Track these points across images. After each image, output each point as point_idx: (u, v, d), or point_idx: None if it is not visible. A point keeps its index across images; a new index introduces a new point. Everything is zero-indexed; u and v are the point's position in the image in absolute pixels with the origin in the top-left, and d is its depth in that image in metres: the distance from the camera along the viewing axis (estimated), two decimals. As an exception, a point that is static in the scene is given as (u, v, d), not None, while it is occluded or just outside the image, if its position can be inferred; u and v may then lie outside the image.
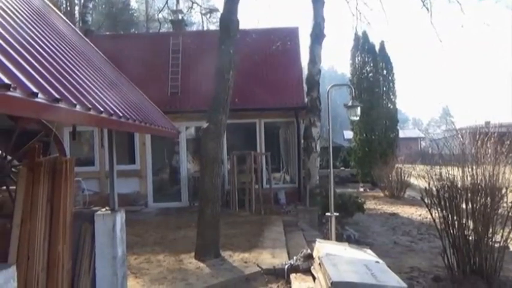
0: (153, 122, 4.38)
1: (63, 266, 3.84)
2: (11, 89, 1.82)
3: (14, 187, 3.88)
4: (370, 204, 12.49)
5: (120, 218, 4.43)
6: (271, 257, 6.13)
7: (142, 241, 7.48)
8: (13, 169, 4.39)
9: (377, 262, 4.58)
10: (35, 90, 2.02)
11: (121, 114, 3.34)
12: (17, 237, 3.54)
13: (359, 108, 7.01)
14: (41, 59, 2.71)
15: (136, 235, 7.80)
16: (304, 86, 11.72)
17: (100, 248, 4.16)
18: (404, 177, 14.37)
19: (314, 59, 11.11)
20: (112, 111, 3.14)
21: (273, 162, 12.23)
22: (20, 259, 3.50)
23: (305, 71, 11.93)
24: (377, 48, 18.81)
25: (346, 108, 7.04)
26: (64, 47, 3.80)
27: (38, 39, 3.15)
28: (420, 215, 10.81)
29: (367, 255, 5.01)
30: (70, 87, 2.69)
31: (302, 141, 11.45)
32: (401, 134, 23.80)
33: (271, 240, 7.33)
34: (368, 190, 16.83)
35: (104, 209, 4.43)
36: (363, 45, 18.60)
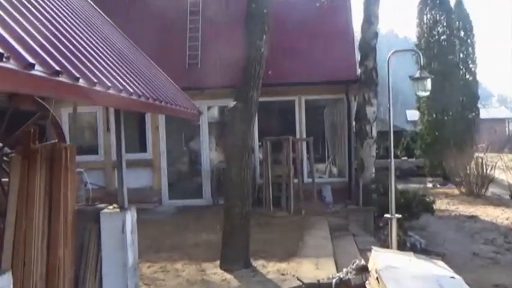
0: (169, 101, 4.43)
1: (64, 274, 3.94)
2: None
3: (7, 179, 4.00)
4: (441, 204, 12.35)
5: (131, 217, 4.53)
6: (314, 269, 6.14)
7: (156, 246, 7.65)
8: (5, 158, 4.48)
9: (452, 278, 4.50)
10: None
11: (131, 91, 3.37)
12: (11, 238, 3.64)
13: (429, 81, 6.80)
14: (39, 25, 2.82)
15: (150, 238, 8.01)
16: (357, 53, 11.60)
17: (107, 253, 4.26)
18: (486, 169, 14.04)
19: (369, 19, 10.89)
20: (121, 87, 3.17)
21: (316, 150, 12.22)
22: (15, 265, 3.59)
23: (358, 35, 11.81)
24: (452, 2, 18.36)
25: (412, 80, 6.85)
26: (63, 9, 3.91)
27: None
28: (508, 219, 10.66)
29: (438, 268, 4.94)
30: (72, 57, 2.74)
31: (354, 123, 11.36)
32: (483, 113, 23.13)
33: (314, 247, 7.35)
34: (438, 186, 16.65)
35: (111, 207, 4.53)
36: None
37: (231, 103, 6.57)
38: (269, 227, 8.83)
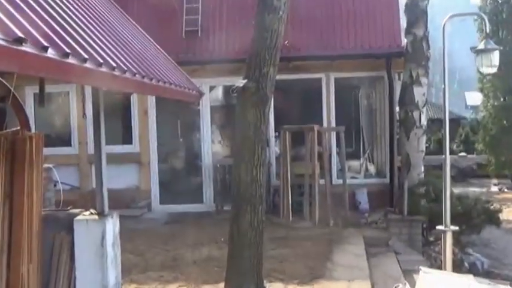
0: (161, 78, 4.47)
1: (29, 296, 4.02)
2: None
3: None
4: (509, 214, 12.39)
5: (113, 226, 4.58)
6: (345, 294, 6.22)
7: (144, 263, 7.66)
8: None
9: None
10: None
11: (114, 65, 3.40)
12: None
13: (496, 54, 6.71)
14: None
15: (136, 253, 8.00)
16: (402, 18, 11.51)
17: (83, 271, 4.30)
18: None
19: (419, -27, 10.86)
20: (101, 60, 3.20)
21: (348, 143, 12.15)
22: (-32, 285, 3.77)
23: (404, -5, 11.88)
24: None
25: (474, 53, 6.79)
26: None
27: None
28: None
29: (506, 297, 4.95)
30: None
31: (397, 109, 11.30)
32: None
33: (345, 267, 7.34)
34: (506, 190, 16.72)
35: (87, 213, 4.58)
36: None
37: (240, 82, 6.43)
38: (288, 241, 8.84)
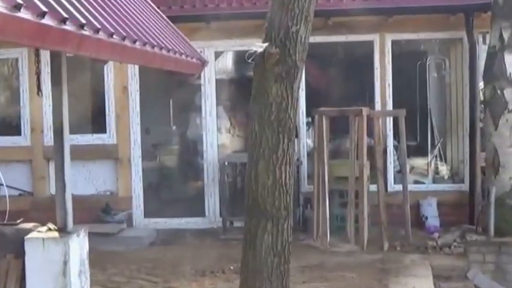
0: (149, 41, 4.50)
1: None
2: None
3: None
4: None
5: (79, 248, 4.63)
6: None
7: (123, 300, 7.79)
8: None
9: None
10: None
11: (83, 21, 3.44)
12: None
13: None
14: None
15: (111, 286, 7.99)
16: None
17: (37, 309, 4.38)
18: None
19: None
20: (66, 14, 3.24)
21: (410, 133, 12.14)
22: None
23: None
24: None
25: None
26: None
27: None
28: None
29: None
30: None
31: (481, 85, 11.29)
32: None
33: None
34: None
35: (44, 228, 4.63)
36: None
37: (259, 45, 6.36)
38: (324, 272, 8.84)
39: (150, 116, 12.52)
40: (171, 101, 13.80)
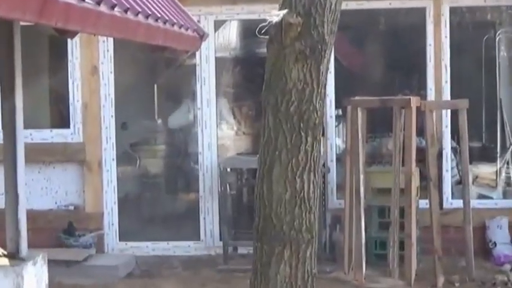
0: (131, 6, 4.54)
1: None
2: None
3: None
4: None
5: (36, 280, 4.64)
6: None
7: None
8: None
9: None
10: None
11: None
12: None
13: None
14: None
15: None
16: None
17: None
18: None
19: None
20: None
21: (474, 132, 12.20)
22: None
23: None
24: None
25: None
26: None
27: None
28: None
29: None
30: None
31: None
32: None
33: None
34: None
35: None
36: None
37: (275, 14, 6.34)
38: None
39: (128, 105, 12.53)
40: (155, 86, 13.73)
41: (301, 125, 6.41)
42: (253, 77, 10.13)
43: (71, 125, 12.16)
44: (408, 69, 12.34)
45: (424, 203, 10.71)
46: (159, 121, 14.24)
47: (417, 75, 12.13)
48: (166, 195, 13.13)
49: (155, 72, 13.36)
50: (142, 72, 13.00)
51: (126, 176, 12.60)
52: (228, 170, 11.84)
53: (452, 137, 11.82)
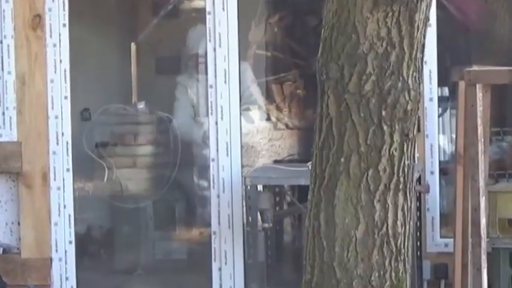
0: None
1: None
2: None
3: None
4: None
5: None
6: None
7: None
8: None
9: None
10: None
11: None
12: None
13: None
14: None
15: None
16: None
17: None
18: None
19: None
20: None
21: None
22: None
23: None
24: None
25: None
26: None
27: None
28: None
29: None
30: None
31: None
32: None
33: None
34: None
35: None
36: None
37: None
38: None
39: (92, 81, 11.18)
40: (135, 48, 12.03)
41: (383, 113, 5.18)
42: (303, 32, 9.73)
43: (8, 123, 10.61)
44: None
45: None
46: (141, 106, 12.16)
47: None
48: (154, 230, 11.29)
49: (135, 25, 12.03)
50: (115, 25, 11.87)
51: (88, 198, 10.93)
52: (259, 188, 10.39)
53: None
